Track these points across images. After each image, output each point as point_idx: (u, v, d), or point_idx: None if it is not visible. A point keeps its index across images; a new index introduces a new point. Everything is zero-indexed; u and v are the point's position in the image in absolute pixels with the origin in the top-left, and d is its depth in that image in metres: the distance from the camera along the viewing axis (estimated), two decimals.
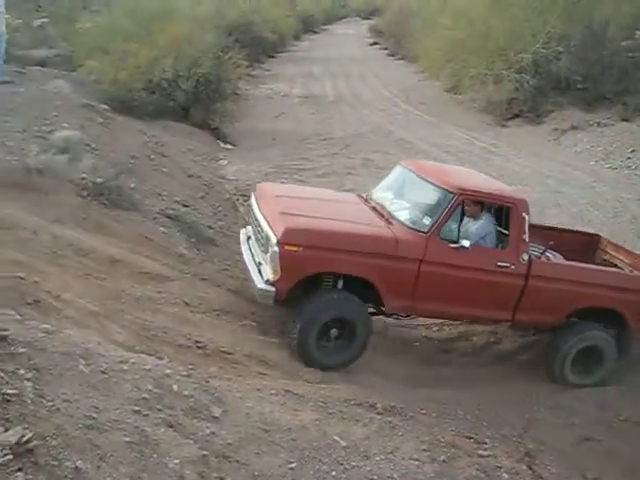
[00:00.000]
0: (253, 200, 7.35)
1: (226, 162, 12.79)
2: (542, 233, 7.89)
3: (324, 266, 6.42)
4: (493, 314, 7.09)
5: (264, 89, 20.51)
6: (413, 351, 7.47)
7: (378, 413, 5.36)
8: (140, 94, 13.46)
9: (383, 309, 6.80)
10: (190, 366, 4.93)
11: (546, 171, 14.48)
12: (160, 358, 5.02)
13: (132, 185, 8.53)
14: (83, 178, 8.03)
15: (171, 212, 8.50)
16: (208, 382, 4.68)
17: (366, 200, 7.45)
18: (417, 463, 4.69)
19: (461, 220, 6.72)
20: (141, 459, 3.36)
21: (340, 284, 6.55)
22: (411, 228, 6.63)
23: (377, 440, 4.83)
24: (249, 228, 7.46)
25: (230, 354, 5.88)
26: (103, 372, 4.06)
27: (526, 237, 6.81)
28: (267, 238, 6.36)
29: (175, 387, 4.28)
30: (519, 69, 18.34)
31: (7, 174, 7.65)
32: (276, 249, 6.13)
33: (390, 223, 6.72)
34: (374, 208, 7.14)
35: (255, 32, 25.59)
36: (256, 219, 6.93)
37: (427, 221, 6.63)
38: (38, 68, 14.03)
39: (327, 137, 15.52)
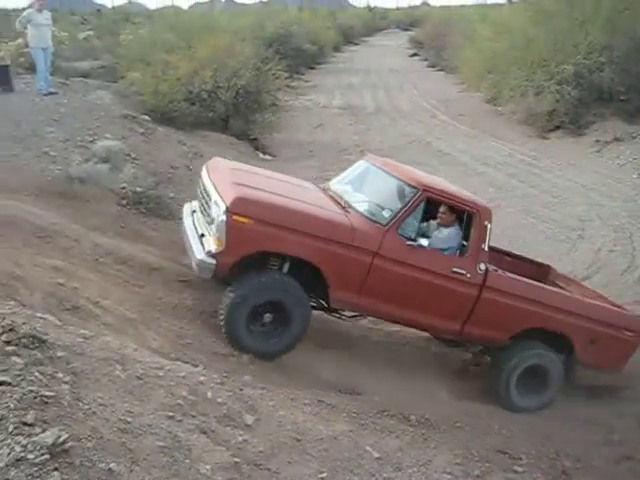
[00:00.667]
0: (204, 171, 6.89)
1: None
2: (496, 256, 7.66)
3: (273, 244, 5.99)
4: (442, 323, 6.70)
5: (303, 100, 20.63)
6: (450, 364, 7.43)
7: (411, 425, 5.33)
8: (180, 105, 13.65)
9: (326, 303, 6.50)
10: (224, 374, 4.97)
11: (588, 184, 14.25)
12: (195, 365, 5.08)
13: (171, 194, 8.67)
14: (123, 187, 8.20)
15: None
16: (242, 390, 4.70)
17: (324, 189, 7.18)
18: (450, 477, 4.64)
19: (424, 220, 6.58)
20: (173, 464, 3.39)
21: (286, 268, 6.17)
22: (369, 219, 6.32)
23: (410, 452, 4.79)
24: (194, 203, 7.01)
25: (264, 363, 5.91)
26: (139, 378, 4.11)
27: (485, 247, 6.59)
28: (216, 205, 5.93)
29: (209, 394, 4.31)
30: (560, 80, 18.10)
31: (51, 183, 7.86)
32: (223, 217, 5.74)
33: (347, 212, 6.42)
34: (332, 197, 6.84)
35: (295, 43, 25.80)
36: (205, 189, 6.50)
37: (387, 214, 6.36)
38: (82, 79, 14.34)
39: (365, 148, 15.49)
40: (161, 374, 4.35)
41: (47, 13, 12.43)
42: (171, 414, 3.84)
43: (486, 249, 6.60)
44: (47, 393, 3.22)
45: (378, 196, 6.71)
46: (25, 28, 12.29)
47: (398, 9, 76.46)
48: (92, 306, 5.49)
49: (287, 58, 19.91)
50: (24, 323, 3.92)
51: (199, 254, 5.92)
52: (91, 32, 27.61)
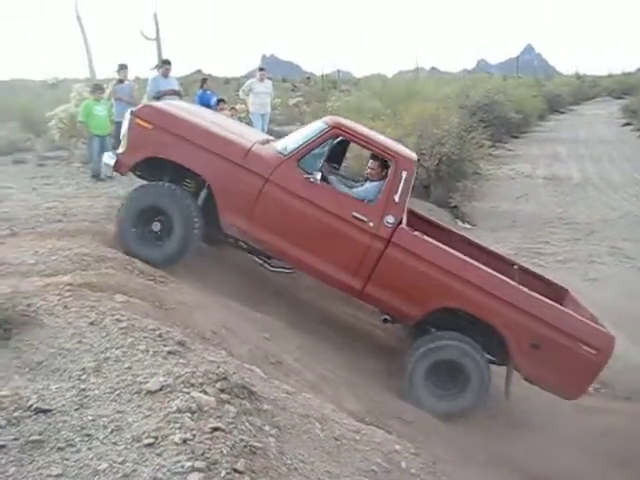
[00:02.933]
0: None
1: None
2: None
3: (168, 152, 6.22)
4: (340, 275, 6.18)
5: (506, 169, 20.29)
6: None
7: None
8: None
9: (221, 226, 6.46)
10: (418, 445, 4.91)
11: None
12: (389, 432, 5.06)
13: None
14: None
15: None
16: (434, 464, 4.62)
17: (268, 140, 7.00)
18: None
19: (337, 161, 6.70)
20: None
21: (203, 195, 6.37)
22: (277, 151, 6.32)
23: None
24: None
25: (458, 438, 5.77)
26: (336, 439, 4.18)
27: (397, 198, 6.04)
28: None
29: (403, 464, 4.28)
30: None
31: None
32: (128, 120, 6.38)
33: (262, 145, 6.49)
34: (267, 140, 6.88)
35: (499, 112, 25.56)
36: None
37: (292, 146, 6.30)
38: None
39: (570, 221, 14.85)
40: (357, 438, 4.40)
41: (268, 82, 13.50)
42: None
43: (399, 201, 6.07)
44: (256, 444, 3.38)
45: (297, 135, 6.71)
46: (247, 95, 13.38)
47: (610, 76, 73.27)
48: (293, 362, 5.70)
49: (491, 127, 19.79)
50: (234, 373, 4.16)
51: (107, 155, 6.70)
52: (301, 98, 29.43)
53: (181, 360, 4.03)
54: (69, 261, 5.72)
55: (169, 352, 4.12)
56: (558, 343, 5.96)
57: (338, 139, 6.58)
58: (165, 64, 11.17)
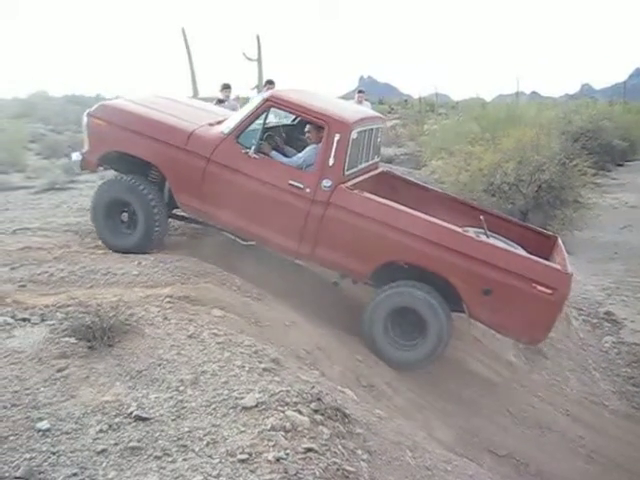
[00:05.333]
0: None
1: None
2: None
3: (122, 145, 6.71)
4: (288, 242, 6.34)
5: (609, 198, 19.49)
6: None
7: None
8: (480, 195, 13.74)
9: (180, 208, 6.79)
10: None
11: None
12: (480, 466, 4.93)
13: None
14: None
15: None
16: None
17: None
18: None
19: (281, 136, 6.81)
20: None
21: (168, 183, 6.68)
22: (219, 132, 6.52)
23: None
24: None
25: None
26: (427, 468, 4.10)
27: (332, 161, 6.13)
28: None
29: None
30: None
31: None
32: (85, 119, 6.91)
33: (209, 127, 6.68)
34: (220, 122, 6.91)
35: (604, 139, 24.66)
36: None
37: (232, 124, 6.51)
38: (388, 165, 15.17)
39: None
40: (449, 469, 4.30)
41: (367, 104, 13.53)
42: None
43: (334, 164, 6.16)
44: (348, 467, 3.35)
45: (237, 114, 6.96)
46: None
47: None
48: (385, 386, 5.65)
49: (594, 154, 19.09)
50: (327, 394, 4.15)
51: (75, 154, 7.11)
52: (398, 121, 29.39)
53: (276, 378, 4.06)
54: (170, 274, 5.89)
55: (264, 369, 4.15)
56: (510, 286, 5.84)
57: (297, 119, 7.00)
58: (269, 84, 11.38)
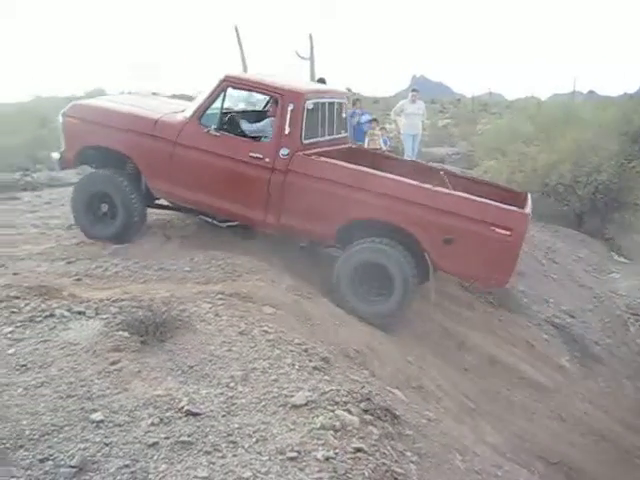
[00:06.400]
0: None
1: (619, 276, 11.97)
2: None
3: (95, 139, 6.97)
4: (255, 214, 6.52)
5: None
6: None
7: None
8: (534, 197, 13.46)
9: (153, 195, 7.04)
10: None
11: None
12: (531, 472, 4.84)
13: (521, 288, 8.52)
14: None
15: (557, 321, 8.24)
16: None
17: None
18: None
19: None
20: None
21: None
22: (183, 116, 6.76)
23: None
24: None
25: None
26: (477, 472, 4.04)
27: (287, 130, 6.36)
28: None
29: None
30: None
31: None
32: (60, 119, 7.21)
33: (173, 114, 6.90)
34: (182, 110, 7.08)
35: None
36: None
37: (194, 107, 6.78)
38: (440, 165, 15.02)
39: None
40: (499, 474, 4.24)
41: (420, 103, 13.38)
42: None
43: (289, 132, 6.36)
44: (397, 469, 3.32)
45: (199, 97, 7.02)
46: (398, 116, 13.37)
47: None
48: (434, 388, 5.58)
49: None
50: (377, 394, 4.12)
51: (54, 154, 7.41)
52: (449, 120, 29.05)
53: (325, 377, 4.05)
54: (221, 270, 5.93)
55: (314, 367, 4.15)
56: (469, 232, 5.94)
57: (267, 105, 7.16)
58: (320, 82, 11.37)
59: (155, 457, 3.16)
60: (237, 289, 5.42)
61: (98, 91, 22.08)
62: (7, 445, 3.15)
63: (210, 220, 7.08)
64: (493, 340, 7.13)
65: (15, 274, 5.86)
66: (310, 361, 4.24)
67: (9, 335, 4.41)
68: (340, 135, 7.65)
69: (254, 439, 3.33)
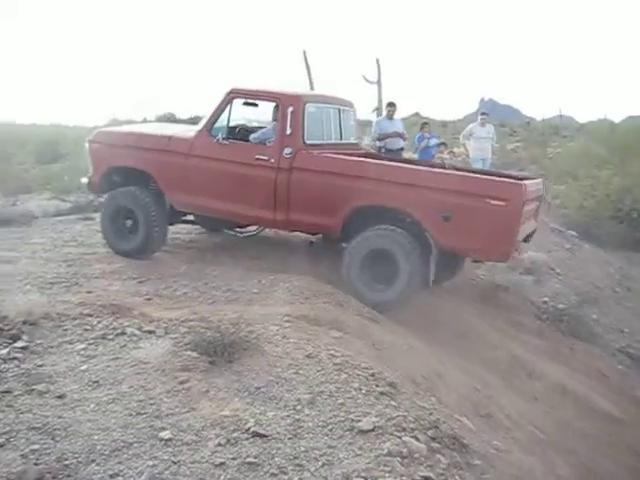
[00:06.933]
0: None
1: None
2: None
3: (117, 160, 7.57)
4: (264, 212, 6.91)
5: None
6: None
7: None
8: (607, 223, 13.09)
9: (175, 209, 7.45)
10: None
11: None
12: None
13: (594, 316, 8.28)
14: (545, 301, 8.12)
15: (632, 351, 7.96)
16: None
17: None
18: None
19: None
20: None
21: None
22: (195, 131, 7.29)
23: None
24: None
25: None
26: None
27: (289, 130, 6.78)
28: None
29: None
30: None
31: (474, 287, 8.16)
32: (86, 145, 7.90)
33: (187, 132, 7.45)
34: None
35: None
36: None
37: (203, 121, 7.29)
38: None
39: None
40: None
41: (490, 127, 13.23)
42: None
43: (290, 132, 6.76)
44: None
45: (208, 112, 7.38)
46: (467, 140, 13.24)
47: None
48: (503, 417, 5.44)
49: None
50: (444, 422, 4.04)
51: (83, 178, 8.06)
52: (519, 143, 28.56)
53: (392, 402, 4.01)
54: (289, 293, 5.97)
55: (381, 392, 4.11)
56: (465, 206, 6.12)
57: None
58: (390, 106, 11.37)
59: (222, 477, 3.17)
60: (304, 312, 5.44)
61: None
62: (79, 459, 3.22)
63: (233, 233, 7.96)
64: (564, 369, 6.92)
65: (88, 292, 6.05)
66: (377, 386, 4.20)
67: (82, 352, 4.55)
68: (350, 141, 8.09)
69: (320, 463, 3.31)
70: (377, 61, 19.18)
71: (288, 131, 6.82)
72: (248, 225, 8.11)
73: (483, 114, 13.42)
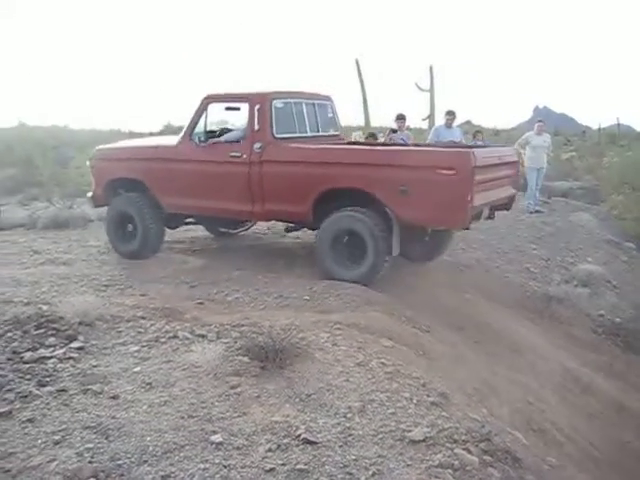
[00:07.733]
0: None
1: None
2: None
3: (114, 173, 8.30)
4: (242, 206, 7.38)
5: None
6: None
7: None
8: None
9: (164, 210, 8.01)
10: None
11: None
12: None
13: None
14: (601, 315, 7.93)
15: None
16: None
17: None
18: None
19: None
20: None
21: None
22: (179, 137, 7.88)
23: None
24: None
25: None
26: None
27: (257, 126, 7.22)
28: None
29: None
30: None
31: (528, 298, 8.02)
32: (88, 163, 8.77)
33: (171, 140, 8.10)
34: None
35: None
36: None
37: (184, 128, 7.82)
38: (562, 199, 14.49)
39: None
40: None
41: (546, 136, 13.01)
42: None
43: (259, 128, 7.20)
44: None
45: (187, 119, 7.88)
46: (523, 149, 13.01)
47: None
48: (556, 432, 5.33)
49: None
50: (496, 435, 3.96)
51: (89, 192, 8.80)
52: (574, 153, 27.98)
53: (444, 413, 3.95)
54: (340, 300, 5.97)
55: (432, 403, 4.05)
56: (419, 179, 6.37)
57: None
58: (449, 114, 11.27)
59: None
60: (355, 320, 5.43)
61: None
62: (132, 459, 3.26)
63: (225, 230, 9.02)
64: (620, 385, 6.75)
65: (142, 295, 6.15)
66: (428, 396, 4.14)
67: (135, 354, 4.63)
68: (330, 132, 8.46)
69: (370, 472, 3.27)
70: (430, 68, 19.01)
71: (256, 127, 7.28)
72: (244, 222, 9.18)
73: (539, 122, 13.21)
